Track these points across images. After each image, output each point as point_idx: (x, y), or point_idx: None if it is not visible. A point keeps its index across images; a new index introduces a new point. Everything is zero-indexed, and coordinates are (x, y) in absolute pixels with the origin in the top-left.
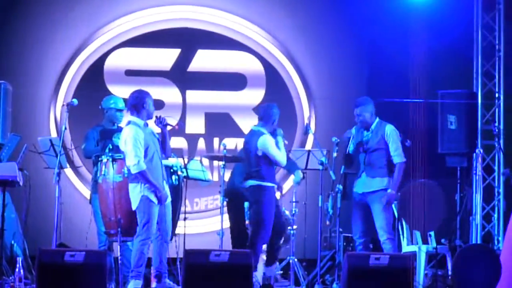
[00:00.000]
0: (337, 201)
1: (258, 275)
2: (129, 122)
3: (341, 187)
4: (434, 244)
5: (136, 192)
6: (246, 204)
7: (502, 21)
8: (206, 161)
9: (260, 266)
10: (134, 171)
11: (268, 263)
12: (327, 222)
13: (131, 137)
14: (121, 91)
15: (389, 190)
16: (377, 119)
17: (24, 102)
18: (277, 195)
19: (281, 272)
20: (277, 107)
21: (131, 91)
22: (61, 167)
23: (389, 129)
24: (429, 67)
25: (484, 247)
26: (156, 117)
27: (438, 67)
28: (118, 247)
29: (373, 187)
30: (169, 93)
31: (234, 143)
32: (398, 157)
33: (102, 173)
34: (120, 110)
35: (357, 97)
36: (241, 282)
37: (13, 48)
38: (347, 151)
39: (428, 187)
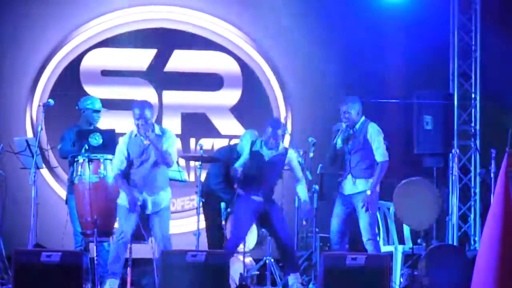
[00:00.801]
0: (313, 202)
1: (235, 275)
2: None
3: (317, 187)
4: (410, 244)
5: None
6: (223, 204)
7: (479, 21)
8: (182, 162)
9: (239, 266)
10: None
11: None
12: (304, 222)
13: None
14: (97, 92)
15: (368, 192)
16: (363, 118)
17: None
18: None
19: (258, 272)
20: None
21: (107, 91)
22: (37, 168)
23: (371, 127)
24: (406, 68)
25: (453, 247)
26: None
27: (415, 67)
28: (94, 247)
29: (359, 189)
30: (145, 94)
31: (211, 144)
32: (380, 155)
33: (78, 173)
34: (97, 111)
35: (333, 98)
36: (217, 282)
37: None
38: (335, 144)
39: (423, 184)
